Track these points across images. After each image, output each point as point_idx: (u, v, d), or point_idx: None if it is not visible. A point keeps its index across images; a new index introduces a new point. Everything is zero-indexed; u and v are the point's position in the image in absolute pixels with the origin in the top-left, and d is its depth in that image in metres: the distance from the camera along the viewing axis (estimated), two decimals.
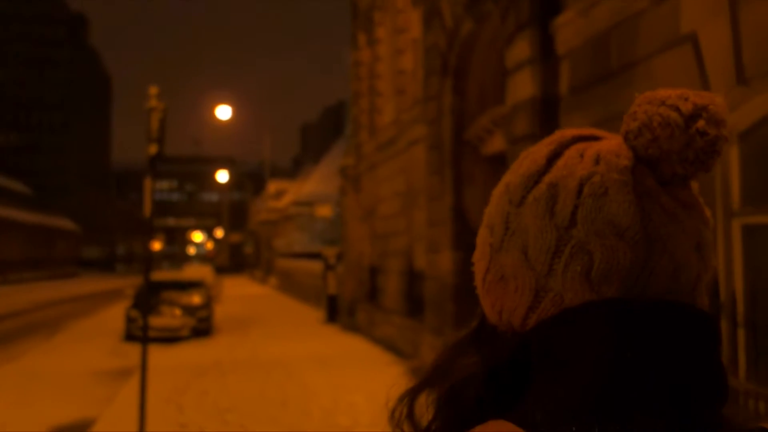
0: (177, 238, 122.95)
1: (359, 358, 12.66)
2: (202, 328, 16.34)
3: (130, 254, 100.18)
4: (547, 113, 6.82)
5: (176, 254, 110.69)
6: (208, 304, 17.06)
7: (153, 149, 6.73)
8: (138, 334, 15.84)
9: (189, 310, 16.30)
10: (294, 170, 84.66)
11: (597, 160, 0.67)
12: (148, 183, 6.98)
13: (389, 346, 13.28)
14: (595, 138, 0.71)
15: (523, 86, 7.03)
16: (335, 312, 18.01)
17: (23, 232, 58.47)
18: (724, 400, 0.63)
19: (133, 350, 14.76)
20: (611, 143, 0.69)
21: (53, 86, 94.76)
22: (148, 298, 7.34)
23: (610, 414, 0.58)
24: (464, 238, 9.37)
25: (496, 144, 9.21)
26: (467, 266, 0.78)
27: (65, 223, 76.98)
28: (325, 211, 29.40)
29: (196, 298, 17.01)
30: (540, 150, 0.71)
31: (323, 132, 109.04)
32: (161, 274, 19.64)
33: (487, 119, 9.00)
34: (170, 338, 15.82)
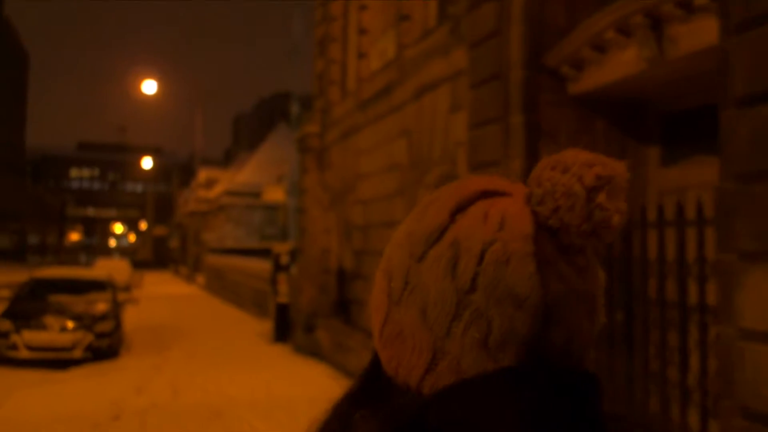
0: (97, 229, 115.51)
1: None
2: (104, 348, 11.85)
3: (43, 244, 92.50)
4: None
5: (96, 246, 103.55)
6: (114, 314, 12.58)
7: None
8: (11, 356, 11.33)
9: (85, 321, 11.79)
10: (226, 162, 79.51)
11: (501, 225, 0.66)
12: None
13: None
14: (501, 193, 0.70)
15: None
16: (287, 327, 13.80)
17: None
18: None
19: (2, 380, 10.17)
20: (515, 206, 0.67)
21: None
22: None
23: None
24: None
25: (609, 71, 5.36)
26: None
27: None
28: (276, 194, 24.69)
29: (96, 305, 12.50)
30: (445, 202, 0.69)
31: (257, 123, 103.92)
32: (51, 271, 14.90)
33: (607, 21, 5.11)
34: (57, 361, 11.32)
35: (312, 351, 12.12)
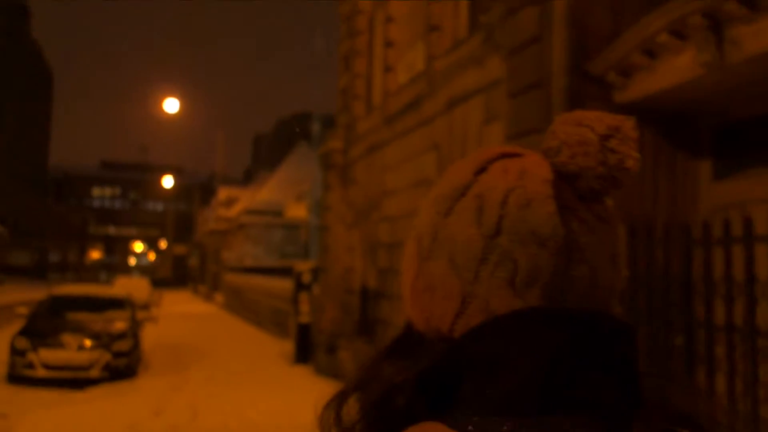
0: (118, 248, 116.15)
1: None
2: (121, 367, 11.58)
3: (64, 262, 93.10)
4: None
5: (116, 264, 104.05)
6: (132, 332, 12.32)
7: None
8: (28, 375, 11.07)
9: (103, 340, 11.54)
10: (245, 182, 79.79)
11: (521, 174, 0.69)
12: None
13: None
14: (519, 155, 0.73)
15: None
16: (308, 348, 13.44)
17: None
18: (637, 403, 0.65)
19: (18, 399, 9.97)
20: (533, 159, 0.71)
21: None
22: None
23: (535, 415, 0.61)
24: None
25: (660, 77, 5.01)
26: None
27: None
28: (298, 211, 24.36)
29: (115, 324, 12.25)
30: (467, 165, 0.74)
31: (276, 144, 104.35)
32: (69, 288, 14.70)
33: (661, 23, 4.77)
34: (74, 381, 11.05)
35: (334, 373, 11.75)
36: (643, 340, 4.39)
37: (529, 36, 5.80)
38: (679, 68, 4.81)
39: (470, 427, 0.60)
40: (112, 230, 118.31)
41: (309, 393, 10.66)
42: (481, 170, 0.71)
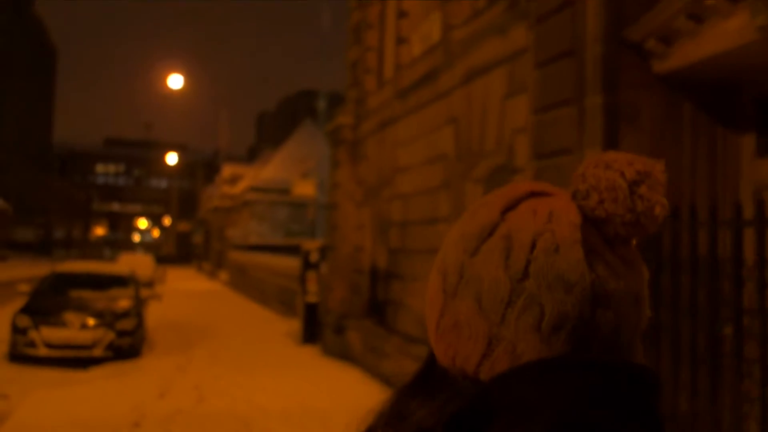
0: (122, 225, 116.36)
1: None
2: (125, 346, 11.29)
3: (68, 238, 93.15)
4: None
5: (120, 241, 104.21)
6: (136, 311, 12.02)
7: None
8: (29, 353, 10.82)
9: (107, 318, 11.25)
10: (250, 159, 79.48)
11: (549, 218, 0.69)
12: None
13: None
14: (547, 194, 0.74)
15: None
16: (315, 328, 13.14)
17: None
18: None
19: (20, 379, 9.71)
20: (562, 201, 0.72)
21: None
22: None
23: None
24: None
25: (707, 44, 4.62)
26: None
27: None
28: (306, 188, 23.95)
29: (118, 302, 11.95)
30: (495, 202, 0.73)
31: (281, 121, 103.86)
32: (72, 265, 14.42)
33: None
34: (77, 360, 10.79)
35: (342, 353, 11.47)
36: (687, 333, 4.06)
37: (551, 7, 5.40)
38: (728, 33, 4.42)
39: None
40: (116, 207, 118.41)
41: (318, 375, 10.40)
42: (510, 208, 0.71)
